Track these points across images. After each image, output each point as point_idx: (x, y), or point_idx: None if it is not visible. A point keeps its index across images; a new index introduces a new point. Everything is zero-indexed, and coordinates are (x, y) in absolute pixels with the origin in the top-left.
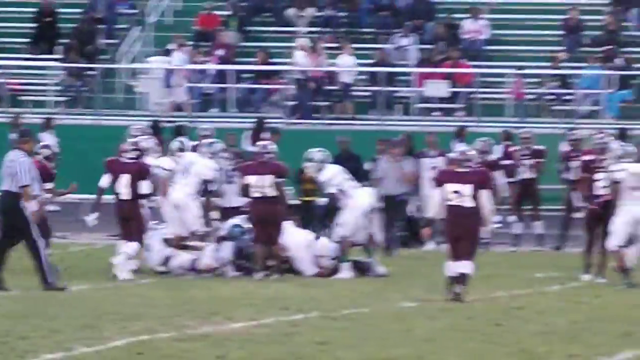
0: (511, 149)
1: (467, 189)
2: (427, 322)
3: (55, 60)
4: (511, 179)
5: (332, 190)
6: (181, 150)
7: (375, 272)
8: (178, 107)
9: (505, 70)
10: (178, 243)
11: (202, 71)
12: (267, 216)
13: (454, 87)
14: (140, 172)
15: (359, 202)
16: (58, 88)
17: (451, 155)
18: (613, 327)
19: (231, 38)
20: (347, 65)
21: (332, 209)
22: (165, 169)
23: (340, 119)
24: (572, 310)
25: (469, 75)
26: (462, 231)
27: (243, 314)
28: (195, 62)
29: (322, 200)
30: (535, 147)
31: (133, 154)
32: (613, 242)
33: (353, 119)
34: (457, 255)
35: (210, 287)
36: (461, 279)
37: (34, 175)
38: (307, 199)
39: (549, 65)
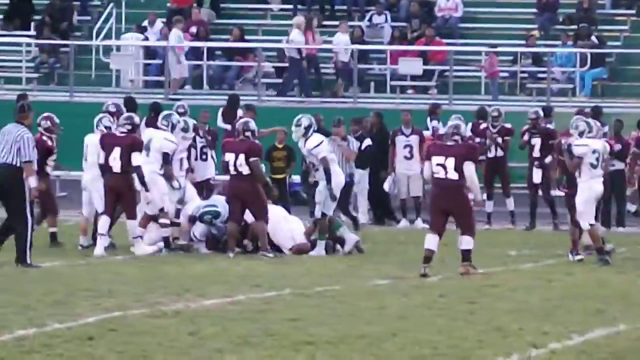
0: (482, 126)
1: (451, 161)
2: (400, 299)
3: (29, 36)
4: (481, 157)
5: (321, 155)
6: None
7: (350, 243)
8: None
9: (479, 48)
10: (145, 222)
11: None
12: (242, 193)
13: (427, 64)
14: (132, 145)
15: (338, 178)
16: (32, 65)
17: (443, 128)
18: (585, 305)
19: (205, 15)
20: (343, 44)
21: (307, 179)
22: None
23: (315, 96)
24: (544, 288)
25: (443, 53)
26: (447, 204)
27: (215, 291)
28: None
29: (293, 178)
30: (505, 124)
31: (125, 128)
32: (585, 222)
33: (338, 96)
34: (438, 229)
35: (182, 264)
36: (465, 255)
37: (35, 151)
38: (277, 176)
39: (522, 44)
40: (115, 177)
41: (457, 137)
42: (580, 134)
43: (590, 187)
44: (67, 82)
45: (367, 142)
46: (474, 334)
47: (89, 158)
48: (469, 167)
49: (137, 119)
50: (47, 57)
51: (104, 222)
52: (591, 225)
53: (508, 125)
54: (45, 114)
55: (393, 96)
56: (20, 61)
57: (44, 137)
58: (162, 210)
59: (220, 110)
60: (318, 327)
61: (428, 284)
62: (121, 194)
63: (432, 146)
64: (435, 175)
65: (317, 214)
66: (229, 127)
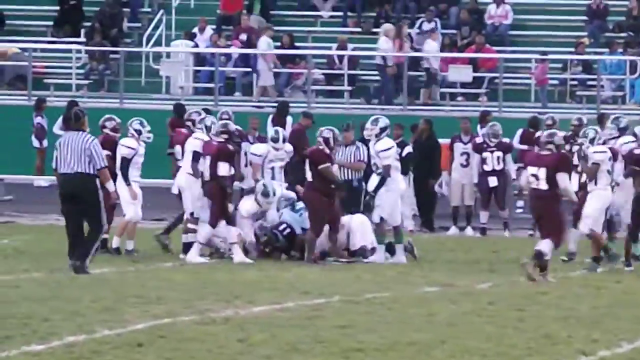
0: (537, 134)
1: (543, 172)
2: (449, 306)
3: (79, 43)
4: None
5: (386, 162)
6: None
7: (398, 258)
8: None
9: (529, 56)
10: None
11: (227, 55)
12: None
13: (477, 72)
14: (219, 154)
15: (398, 184)
16: (81, 71)
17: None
18: (635, 313)
19: (254, 22)
20: (433, 51)
21: (381, 182)
22: (257, 155)
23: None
24: (593, 296)
25: (493, 60)
26: (539, 213)
27: (265, 298)
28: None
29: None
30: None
31: (222, 137)
32: (588, 227)
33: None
34: (541, 235)
35: (232, 271)
36: (536, 255)
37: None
38: None
39: (572, 51)
40: (206, 184)
41: (551, 146)
42: (591, 141)
43: (606, 194)
44: (117, 88)
45: (408, 149)
46: (523, 342)
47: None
48: (562, 178)
49: (232, 126)
50: (97, 64)
51: (206, 230)
52: (592, 231)
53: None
54: (107, 116)
55: (443, 103)
56: (70, 68)
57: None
58: (192, 214)
59: (270, 117)
60: (367, 334)
61: (477, 292)
62: (212, 200)
63: (528, 155)
64: (530, 185)
65: (376, 218)
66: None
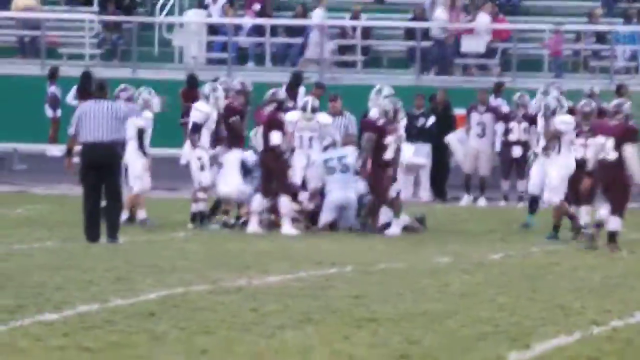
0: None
1: (610, 142)
2: (462, 277)
3: (93, 13)
4: None
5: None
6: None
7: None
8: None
9: (543, 26)
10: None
11: (239, 25)
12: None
13: (490, 42)
14: (270, 123)
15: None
16: (95, 41)
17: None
18: None
19: None
20: (485, 24)
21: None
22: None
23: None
24: (607, 266)
25: (506, 31)
26: (606, 183)
27: (278, 268)
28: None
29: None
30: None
31: (271, 106)
32: (557, 197)
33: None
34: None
35: (245, 241)
36: (611, 236)
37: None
38: None
39: (586, 21)
40: (265, 155)
41: (620, 116)
42: (553, 112)
43: (567, 164)
44: (130, 58)
45: (432, 119)
46: (536, 312)
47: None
48: (628, 149)
49: (282, 94)
50: (110, 34)
51: (258, 200)
52: (561, 201)
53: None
54: (122, 85)
55: (455, 74)
56: (84, 38)
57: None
58: (201, 184)
59: (283, 87)
60: (380, 304)
61: (490, 262)
62: (267, 171)
63: (596, 125)
64: (599, 156)
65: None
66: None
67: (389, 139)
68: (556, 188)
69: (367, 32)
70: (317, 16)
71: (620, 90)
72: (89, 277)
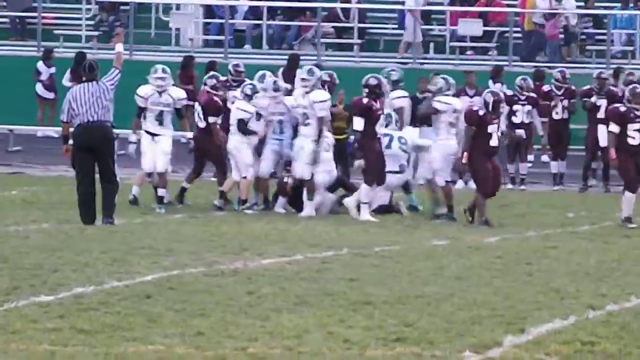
0: (545, 88)
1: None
2: (458, 260)
3: None
4: (544, 119)
5: (321, 114)
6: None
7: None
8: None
9: (539, 10)
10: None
11: (236, 7)
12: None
13: (487, 26)
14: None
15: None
16: (91, 23)
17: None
18: None
19: None
20: (571, 8)
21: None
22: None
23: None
24: (601, 251)
25: (503, 14)
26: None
27: (273, 251)
28: None
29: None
30: (570, 86)
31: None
32: (441, 178)
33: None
34: None
35: (241, 223)
36: None
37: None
38: (338, 137)
39: (582, 5)
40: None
41: None
42: (439, 91)
43: (447, 145)
44: (127, 40)
45: None
46: (532, 296)
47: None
48: None
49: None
50: (107, 15)
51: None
52: (447, 182)
53: (572, 87)
54: (211, 73)
55: (452, 57)
56: (80, 19)
57: (214, 97)
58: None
59: (280, 70)
60: (376, 287)
61: (486, 246)
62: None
63: (623, 111)
64: (630, 142)
65: (305, 174)
66: (289, 86)
67: (492, 128)
68: (438, 170)
69: (363, 15)
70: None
71: (617, 74)
72: (84, 259)
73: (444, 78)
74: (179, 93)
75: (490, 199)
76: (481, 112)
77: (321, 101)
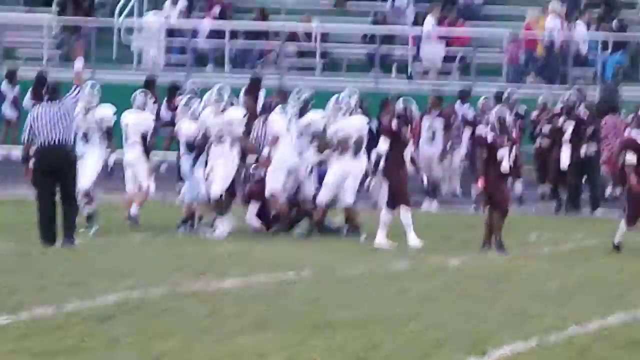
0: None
1: None
2: (422, 282)
3: (52, 14)
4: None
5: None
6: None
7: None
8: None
9: (501, 31)
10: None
11: (197, 28)
12: None
13: (450, 47)
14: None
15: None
16: (53, 42)
17: None
18: (604, 290)
19: None
20: (582, 34)
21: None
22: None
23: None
24: (564, 274)
25: (466, 37)
26: None
27: (235, 271)
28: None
29: None
30: (518, 110)
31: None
32: (349, 198)
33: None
34: None
35: (203, 244)
36: None
37: None
38: None
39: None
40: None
41: None
42: (344, 113)
43: (347, 164)
44: (88, 60)
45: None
46: (495, 317)
47: (131, 137)
48: None
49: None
50: (69, 36)
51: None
52: (350, 203)
53: (521, 111)
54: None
55: (415, 79)
56: (42, 39)
57: None
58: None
59: (243, 90)
60: (338, 309)
61: (449, 267)
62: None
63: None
64: None
65: (215, 193)
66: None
67: (501, 153)
68: (349, 189)
69: (325, 37)
70: (428, 24)
71: (580, 94)
72: (44, 281)
73: (348, 98)
74: (105, 112)
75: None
76: (489, 138)
77: (238, 119)
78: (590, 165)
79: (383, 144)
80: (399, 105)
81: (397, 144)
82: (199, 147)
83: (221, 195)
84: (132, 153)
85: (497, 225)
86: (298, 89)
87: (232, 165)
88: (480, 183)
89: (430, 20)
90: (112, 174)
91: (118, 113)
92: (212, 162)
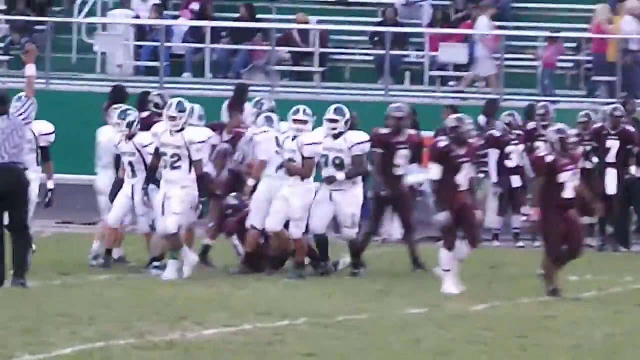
0: (530, 126)
1: None
2: (437, 332)
3: None
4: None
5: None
6: None
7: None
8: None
9: (536, 33)
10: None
11: (171, 29)
12: None
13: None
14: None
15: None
16: (1, 45)
17: None
18: None
19: None
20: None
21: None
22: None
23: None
24: (611, 321)
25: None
26: None
27: (216, 319)
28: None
29: None
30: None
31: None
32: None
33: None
34: None
35: (178, 286)
36: None
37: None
38: None
39: (587, 28)
40: None
41: None
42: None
43: (310, 192)
44: (43, 66)
45: None
46: None
47: (104, 158)
48: None
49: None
50: (20, 37)
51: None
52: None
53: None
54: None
55: (432, 88)
56: None
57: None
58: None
59: (226, 102)
60: None
61: (471, 314)
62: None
63: None
64: None
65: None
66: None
67: (564, 177)
68: (300, 219)
69: (324, 38)
70: (482, 25)
71: (625, 107)
72: None
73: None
74: (43, 127)
75: (556, 264)
76: (549, 159)
77: (200, 142)
78: (638, 191)
79: (435, 171)
80: (450, 121)
81: (449, 166)
82: (150, 170)
83: (177, 231)
84: (105, 178)
85: (547, 268)
86: (258, 99)
87: (190, 196)
88: (535, 214)
89: (484, 21)
90: (49, 204)
91: (76, 127)
92: (165, 189)
